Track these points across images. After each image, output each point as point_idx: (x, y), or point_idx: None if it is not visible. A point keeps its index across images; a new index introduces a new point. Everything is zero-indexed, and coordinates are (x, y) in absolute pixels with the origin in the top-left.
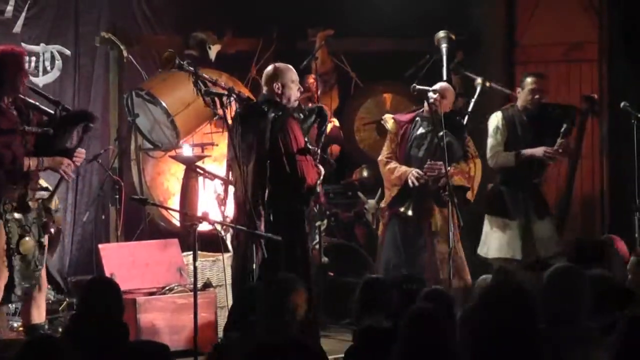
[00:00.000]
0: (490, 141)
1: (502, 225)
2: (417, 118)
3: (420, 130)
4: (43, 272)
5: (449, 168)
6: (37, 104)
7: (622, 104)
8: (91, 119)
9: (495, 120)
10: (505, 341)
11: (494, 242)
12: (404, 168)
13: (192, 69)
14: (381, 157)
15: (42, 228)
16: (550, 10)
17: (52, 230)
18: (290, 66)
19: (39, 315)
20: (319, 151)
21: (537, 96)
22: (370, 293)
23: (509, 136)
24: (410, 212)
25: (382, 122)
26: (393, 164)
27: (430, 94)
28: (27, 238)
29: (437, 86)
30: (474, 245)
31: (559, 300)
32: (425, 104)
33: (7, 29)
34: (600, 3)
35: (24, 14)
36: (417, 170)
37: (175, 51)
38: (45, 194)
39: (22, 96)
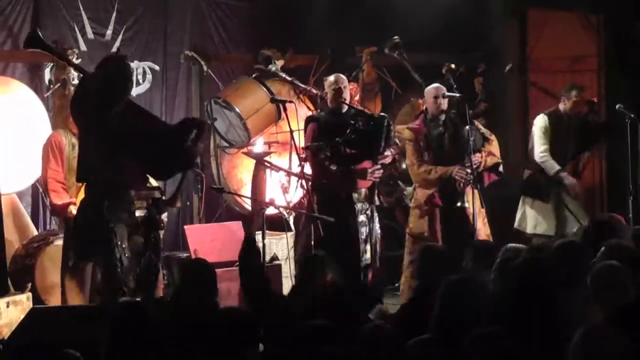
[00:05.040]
0: (540, 142)
1: (538, 205)
2: (429, 121)
3: (439, 130)
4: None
5: (481, 153)
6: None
7: (617, 106)
8: (202, 128)
9: (542, 121)
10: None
11: (531, 220)
12: (441, 168)
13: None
14: (412, 161)
15: None
16: (556, 29)
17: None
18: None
19: None
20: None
21: (578, 107)
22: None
23: (552, 137)
24: (459, 204)
25: (398, 134)
26: (425, 167)
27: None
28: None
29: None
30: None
31: (564, 267)
32: (427, 106)
33: (107, 49)
34: (598, 23)
35: (120, 37)
36: (459, 167)
37: (246, 66)
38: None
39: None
